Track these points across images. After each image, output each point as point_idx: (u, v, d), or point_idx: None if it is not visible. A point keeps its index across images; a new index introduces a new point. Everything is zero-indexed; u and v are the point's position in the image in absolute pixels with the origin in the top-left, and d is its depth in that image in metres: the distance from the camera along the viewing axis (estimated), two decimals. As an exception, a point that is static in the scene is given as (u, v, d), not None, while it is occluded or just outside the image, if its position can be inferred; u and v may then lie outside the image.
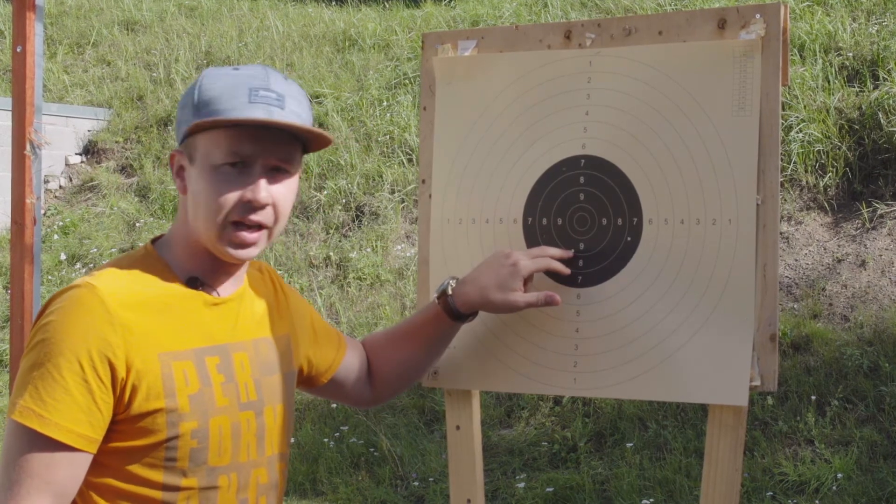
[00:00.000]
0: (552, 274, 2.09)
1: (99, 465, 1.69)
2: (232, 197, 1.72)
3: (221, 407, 1.75)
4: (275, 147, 1.74)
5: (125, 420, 1.68)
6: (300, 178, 1.89)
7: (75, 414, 1.63)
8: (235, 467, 1.77)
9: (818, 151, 6.37)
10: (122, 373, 1.66)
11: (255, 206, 1.72)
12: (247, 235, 1.74)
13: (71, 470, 1.64)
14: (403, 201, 7.61)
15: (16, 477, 1.61)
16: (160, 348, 1.70)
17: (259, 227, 1.75)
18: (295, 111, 1.76)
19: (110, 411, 1.66)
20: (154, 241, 1.85)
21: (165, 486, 1.70)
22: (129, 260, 1.79)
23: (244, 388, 1.80)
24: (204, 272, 1.80)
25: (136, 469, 1.69)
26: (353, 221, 7.62)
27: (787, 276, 5.95)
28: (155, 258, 1.80)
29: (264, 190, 1.72)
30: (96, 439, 1.66)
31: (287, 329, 1.96)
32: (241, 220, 1.73)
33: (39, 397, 1.62)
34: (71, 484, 1.64)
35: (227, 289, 1.84)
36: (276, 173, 1.76)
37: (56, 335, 1.64)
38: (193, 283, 1.79)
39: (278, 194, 1.75)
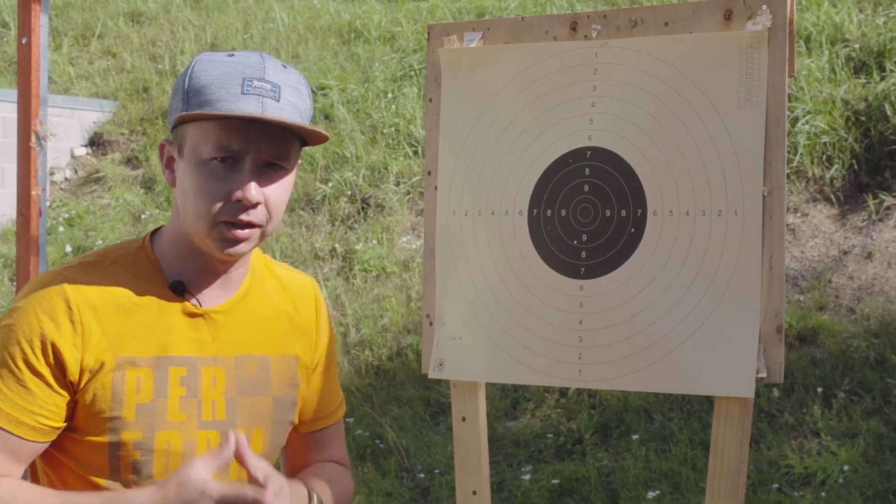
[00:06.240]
0: (554, 265, 2.10)
1: (46, 464, 1.67)
2: (221, 195, 1.62)
3: (174, 422, 1.67)
4: (267, 142, 1.63)
5: (71, 418, 1.65)
6: (302, 169, 1.79)
7: (29, 405, 1.60)
8: None
9: (824, 143, 6.35)
10: (73, 369, 1.61)
11: (245, 206, 1.62)
12: (238, 233, 1.64)
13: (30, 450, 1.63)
14: (409, 193, 7.60)
15: None
16: (118, 351, 1.64)
17: (250, 225, 1.65)
18: (292, 102, 1.65)
19: (64, 402, 1.63)
20: (154, 232, 1.77)
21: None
22: (119, 252, 1.73)
23: (210, 405, 1.71)
24: (190, 272, 1.72)
25: (83, 473, 1.65)
26: (359, 213, 7.61)
27: (793, 268, 5.94)
28: (146, 254, 1.73)
29: (255, 188, 1.62)
30: (54, 428, 1.63)
31: (299, 351, 1.86)
32: (231, 220, 1.63)
33: None
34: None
35: (215, 296, 1.74)
36: (269, 170, 1.65)
37: (17, 324, 1.62)
38: (177, 288, 1.71)
39: (271, 192, 1.65)
